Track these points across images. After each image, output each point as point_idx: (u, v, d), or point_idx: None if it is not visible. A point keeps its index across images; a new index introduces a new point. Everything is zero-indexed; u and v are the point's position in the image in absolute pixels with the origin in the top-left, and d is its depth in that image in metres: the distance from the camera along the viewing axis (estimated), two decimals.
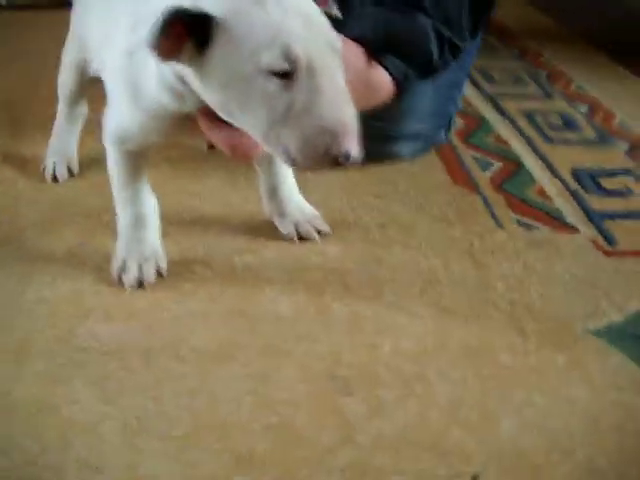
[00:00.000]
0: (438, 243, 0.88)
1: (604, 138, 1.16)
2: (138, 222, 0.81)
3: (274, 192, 0.88)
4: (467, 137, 1.14)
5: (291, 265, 0.83)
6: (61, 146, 1.03)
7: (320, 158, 0.56)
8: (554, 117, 1.23)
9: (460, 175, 1.03)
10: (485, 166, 1.05)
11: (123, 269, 0.80)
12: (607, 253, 0.87)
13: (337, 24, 0.62)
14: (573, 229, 0.91)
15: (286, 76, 0.55)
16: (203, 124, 0.66)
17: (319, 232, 0.87)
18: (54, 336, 0.72)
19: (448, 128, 1.10)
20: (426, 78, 0.78)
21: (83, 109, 1.03)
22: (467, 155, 1.08)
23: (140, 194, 0.81)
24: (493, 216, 0.93)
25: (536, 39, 1.63)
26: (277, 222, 0.88)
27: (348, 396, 0.65)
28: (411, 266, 0.83)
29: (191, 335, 0.72)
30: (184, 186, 0.98)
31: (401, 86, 0.75)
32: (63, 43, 0.98)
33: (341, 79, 0.58)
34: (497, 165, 1.06)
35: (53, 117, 1.04)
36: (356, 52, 0.71)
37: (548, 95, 1.33)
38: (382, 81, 0.73)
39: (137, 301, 0.77)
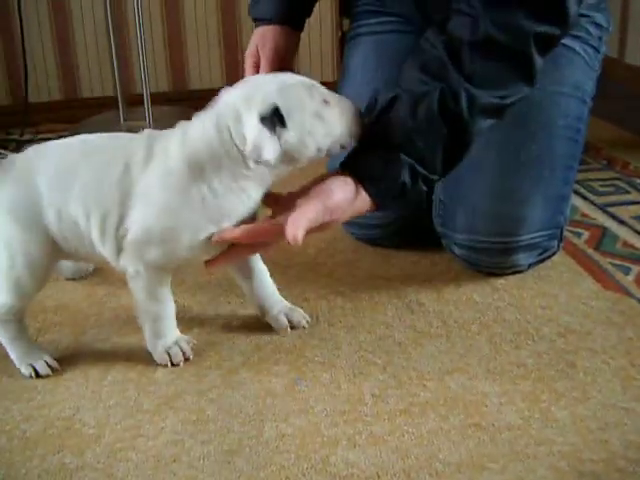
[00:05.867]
0: (617, 345, 1.00)
1: None
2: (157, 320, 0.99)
3: (259, 291, 1.07)
4: (598, 246, 1.28)
5: (500, 375, 0.94)
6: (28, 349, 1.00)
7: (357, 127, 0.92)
8: None
9: (607, 281, 1.16)
10: (625, 271, 1.19)
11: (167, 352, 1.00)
12: None
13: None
14: None
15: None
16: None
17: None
18: (310, 467, 0.80)
19: (560, 239, 1.23)
20: (399, 202, 0.98)
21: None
22: (605, 262, 1.22)
23: (167, 309, 0.99)
24: None
25: (617, 149, 1.81)
26: (267, 317, 1.08)
27: None
28: (604, 367, 0.95)
29: (439, 452, 0.82)
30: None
31: (380, 206, 0.97)
32: None
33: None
34: (635, 268, 1.19)
35: None
36: (344, 186, 0.93)
37: None
38: (365, 206, 0.96)
39: (374, 427, 0.86)
